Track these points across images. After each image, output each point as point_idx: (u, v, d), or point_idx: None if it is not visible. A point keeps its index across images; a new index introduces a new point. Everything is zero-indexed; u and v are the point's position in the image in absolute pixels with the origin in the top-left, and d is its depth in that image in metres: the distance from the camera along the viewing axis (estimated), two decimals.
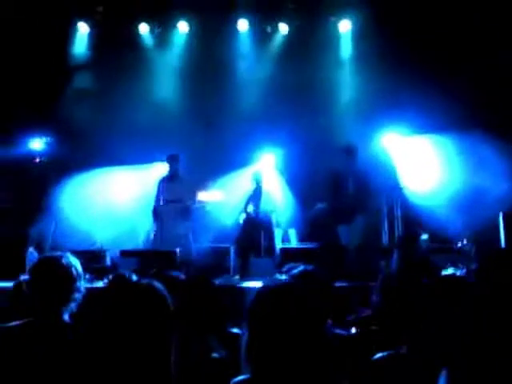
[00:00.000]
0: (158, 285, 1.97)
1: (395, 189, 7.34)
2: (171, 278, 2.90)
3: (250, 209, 7.90)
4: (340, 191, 7.25)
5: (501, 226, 6.58)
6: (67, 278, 2.66)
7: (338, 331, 3.04)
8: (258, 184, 8.07)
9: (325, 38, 9.60)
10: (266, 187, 8.17)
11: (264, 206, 7.92)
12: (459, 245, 6.43)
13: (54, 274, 2.64)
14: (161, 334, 1.87)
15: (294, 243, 8.35)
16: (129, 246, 7.91)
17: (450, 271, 3.60)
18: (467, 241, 6.50)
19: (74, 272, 2.68)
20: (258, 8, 9.45)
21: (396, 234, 7.51)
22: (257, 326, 1.85)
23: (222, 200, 9.17)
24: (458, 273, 3.59)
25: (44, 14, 9.01)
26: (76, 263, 2.73)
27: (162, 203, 7.94)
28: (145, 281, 2.03)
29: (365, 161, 7.53)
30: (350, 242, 7.05)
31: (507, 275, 2.81)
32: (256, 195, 8.01)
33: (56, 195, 8.43)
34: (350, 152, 7.43)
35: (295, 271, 3.15)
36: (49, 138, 9.31)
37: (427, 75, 8.12)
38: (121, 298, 1.93)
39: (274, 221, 7.98)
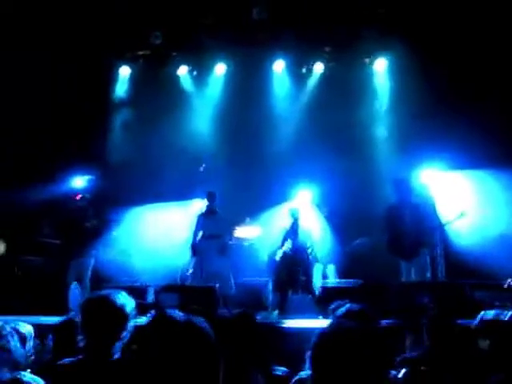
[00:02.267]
0: (202, 322, 1.99)
1: (437, 226, 7.16)
2: (215, 315, 2.91)
3: (288, 245, 7.89)
4: (397, 225, 7.07)
5: None
6: (120, 317, 2.68)
7: (391, 372, 2.99)
8: (295, 220, 8.07)
9: (360, 76, 9.74)
10: (303, 223, 8.16)
11: (301, 241, 7.89)
12: (508, 281, 6.23)
13: (107, 312, 2.66)
14: (206, 372, 1.87)
15: (332, 279, 8.26)
16: (168, 281, 7.97)
17: (495, 311, 3.50)
18: None
19: (127, 311, 2.72)
20: (294, 49, 9.63)
21: (439, 272, 7.31)
22: (322, 369, 1.85)
23: (260, 236, 9.19)
24: (507, 314, 3.48)
25: (87, 55, 9.38)
26: (128, 302, 2.76)
27: (200, 239, 8.01)
28: (189, 318, 2.05)
29: (419, 195, 7.39)
30: (413, 278, 6.85)
31: None
32: (293, 231, 8.00)
33: (97, 231, 8.59)
34: (405, 185, 7.29)
35: (341, 311, 3.11)
36: (91, 176, 9.56)
37: (465, 110, 8.08)
38: (166, 336, 1.95)
39: (311, 256, 7.93)
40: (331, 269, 8.38)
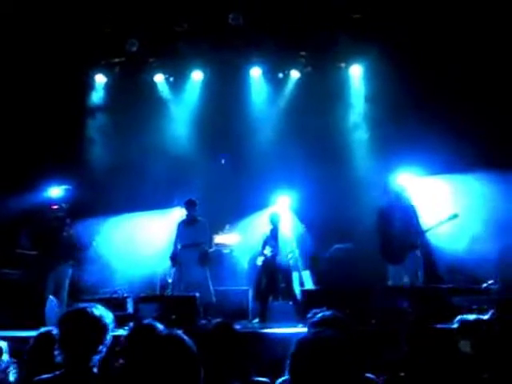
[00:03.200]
0: (183, 335, 1.99)
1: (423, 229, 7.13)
2: (194, 325, 2.88)
3: (268, 251, 7.88)
4: (388, 229, 7.05)
5: None
6: (98, 330, 2.66)
7: (368, 376, 3.01)
8: (274, 225, 8.06)
9: (336, 82, 9.83)
10: (283, 228, 8.16)
11: (281, 247, 7.89)
12: (485, 285, 6.31)
13: (84, 325, 2.65)
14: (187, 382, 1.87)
15: (309, 285, 8.28)
16: (147, 291, 7.92)
17: (475, 315, 3.55)
18: (493, 281, 6.38)
19: (105, 324, 2.69)
20: (270, 55, 9.67)
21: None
22: (300, 376, 1.87)
23: (240, 243, 9.19)
24: (484, 316, 3.53)
25: (62, 64, 9.29)
26: (107, 314, 2.74)
27: (179, 248, 7.97)
28: (170, 331, 2.05)
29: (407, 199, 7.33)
30: (402, 282, 6.83)
31: None
32: (273, 237, 7.99)
33: (74, 241, 8.49)
34: (391, 188, 7.32)
35: (315, 318, 3.13)
36: (68, 186, 9.45)
37: (440, 115, 8.19)
38: (146, 349, 1.95)
39: (291, 262, 7.94)
40: (307, 275, 8.39)
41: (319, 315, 3.13)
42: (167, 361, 1.89)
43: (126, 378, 1.94)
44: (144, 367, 1.91)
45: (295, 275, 8.16)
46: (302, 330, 5.03)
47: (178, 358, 1.92)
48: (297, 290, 7.86)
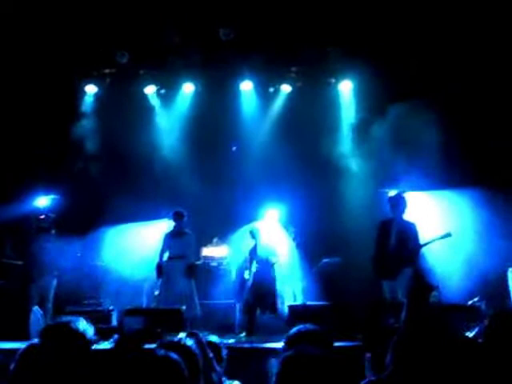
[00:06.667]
0: (173, 355, 1.98)
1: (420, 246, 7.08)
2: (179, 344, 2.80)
3: (254, 266, 7.89)
4: (384, 243, 6.93)
5: (510, 282, 6.51)
6: (81, 343, 2.63)
7: None
8: (255, 240, 8.08)
9: (327, 96, 9.88)
10: (265, 241, 8.15)
11: (264, 260, 7.90)
12: (470, 302, 6.32)
13: (66, 340, 2.61)
14: None
15: (300, 299, 8.27)
16: (133, 304, 7.85)
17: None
18: (479, 298, 6.40)
19: (87, 338, 2.66)
20: (261, 70, 9.73)
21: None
22: None
23: (228, 256, 9.16)
24: (471, 333, 3.53)
25: (52, 74, 9.28)
26: (88, 329, 2.71)
27: (166, 260, 7.92)
28: (160, 352, 2.03)
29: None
30: (396, 297, 6.70)
31: None
32: (255, 251, 8.02)
33: (60, 252, 8.41)
34: (394, 201, 7.16)
35: (291, 332, 3.10)
36: (55, 196, 9.39)
37: (430, 131, 8.24)
38: (132, 368, 1.94)
39: (274, 274, 7.94)
40: (299, 288, 8.39)
41: (295, 329, 3.10)
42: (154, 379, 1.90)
43: None
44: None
45: (286, 289, 8.17)
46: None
47: (166, 378, 1.92)
48: (286, 303, 7.87)
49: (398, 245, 6.84)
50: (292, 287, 8.41)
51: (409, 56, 8.85)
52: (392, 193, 7.33)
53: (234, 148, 9.59)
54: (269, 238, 8.29)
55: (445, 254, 7.42)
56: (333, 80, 9.94)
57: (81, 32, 8.96)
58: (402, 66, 8.84)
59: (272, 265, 7.96)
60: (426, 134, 8.13)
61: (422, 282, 6.64)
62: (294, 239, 8.66)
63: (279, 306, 7.81)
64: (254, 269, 7.87)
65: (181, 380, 1.91)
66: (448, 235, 6.86)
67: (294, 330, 3.08)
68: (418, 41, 8.72)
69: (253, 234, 8.14)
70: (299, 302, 8.12)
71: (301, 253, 8.55)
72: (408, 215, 7.11)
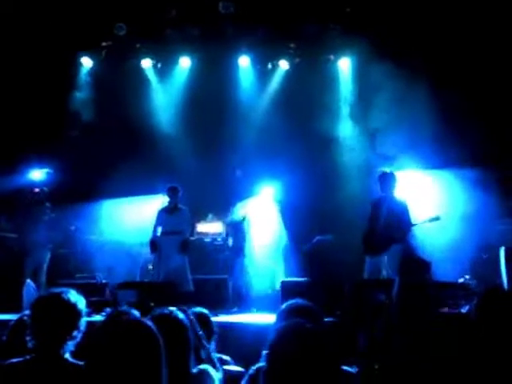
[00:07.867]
0: (149, 323, 2.02)
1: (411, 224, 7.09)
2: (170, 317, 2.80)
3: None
4: (375, 220, 6.91)
5: (502, 261, 6.54)
6: (70, 315, 2.64)
7: (344, 368, 3.01)
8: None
9: (326, 73, 9.80)
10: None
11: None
12: (462, 280, 6.36)
13: (56, 311, 2.61)
14: (152, 371, 1.92)
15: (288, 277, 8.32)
16: (127, 278, 7.89)
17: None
18: (470, 276, 6.44)
19: (77, 310, 2.67)
20: (259, 45, 9.62)
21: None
22: (280, 366, 1.91)
23: (222, 232, 9.18)
24: (462, 311, 3.57)
25: (48, 47, 9.16)
26: (79, 300, 2.71)
27: (160, 235, 7.92)
28: (141, 320, 2.08)
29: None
30: (380, 275, 6.74)
31: (505, 316, 2.81)
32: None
33: (54, 225, 8.41)
34: (384, 179, 7.12)
35: (285, 306, 3.13)
36: (49, 169, 9.36)
37: (428, 108, 8.19)
38: (115, 338, 1.98)
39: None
40: (281, 267, 8.39)
41: (290, 303, 3.13)
42: (134, 347, 1.93)
43: (95, 365, 1.95)
44: (112, 354, 1.94)
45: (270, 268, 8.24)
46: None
47: (142, 345, 1.95)
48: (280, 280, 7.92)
49: (388, 222, 6.83)
50: (281, 265, 8.42)
51: (409, 33, 8.76)
52: (384, 170, 7.31)
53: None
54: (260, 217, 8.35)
55: (437, 233, 7.43)
56: (331, 57, 9.85)
57: (80, 4, 8.83)
58: (402, 43, 8.75)
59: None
60: (423, 113, 8.10)
61: (416, 259, 6.67)
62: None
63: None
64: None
65: (154, 345, 1.95)
66: (437, 219, 6.86)
67: (286, 304, 3.11)
68: (418, 18, 8.63)
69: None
70: (289, 279, 8.17)
71: (292, 231, 8.56)
72: (399, 193, 7.13)
